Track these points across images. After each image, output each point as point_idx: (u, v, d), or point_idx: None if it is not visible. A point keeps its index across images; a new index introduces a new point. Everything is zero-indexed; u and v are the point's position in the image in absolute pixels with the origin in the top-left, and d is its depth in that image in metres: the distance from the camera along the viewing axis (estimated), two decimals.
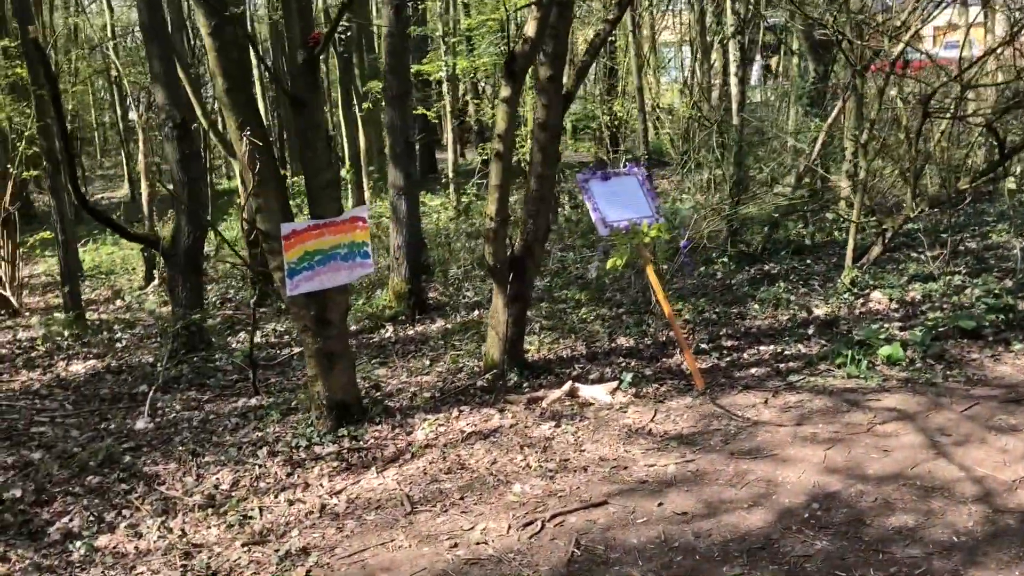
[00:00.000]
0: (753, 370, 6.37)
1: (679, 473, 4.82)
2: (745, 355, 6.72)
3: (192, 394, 7.24)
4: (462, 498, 4.77)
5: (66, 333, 8.98)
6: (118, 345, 9.14)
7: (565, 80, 6.34)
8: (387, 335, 8.51)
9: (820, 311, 7.70)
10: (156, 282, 11.73)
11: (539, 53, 5.78)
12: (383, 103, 8.84)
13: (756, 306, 7.95)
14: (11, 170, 10.64)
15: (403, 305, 8.90)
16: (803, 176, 10.22)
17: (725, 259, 9.73)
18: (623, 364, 6.73)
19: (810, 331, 7.08)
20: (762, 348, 6.82)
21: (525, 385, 6.43)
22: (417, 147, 13.94)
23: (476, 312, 8.79)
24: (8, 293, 10.84)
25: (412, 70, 17.69)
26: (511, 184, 6.29)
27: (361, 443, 5.65)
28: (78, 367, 8.44)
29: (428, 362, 7.39)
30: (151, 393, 7.06)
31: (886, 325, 6.95)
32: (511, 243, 6.40)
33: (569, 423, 5.62)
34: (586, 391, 6.09)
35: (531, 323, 8.06)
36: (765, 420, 5.43)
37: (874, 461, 4.73)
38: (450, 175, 17.58)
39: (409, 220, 8.78)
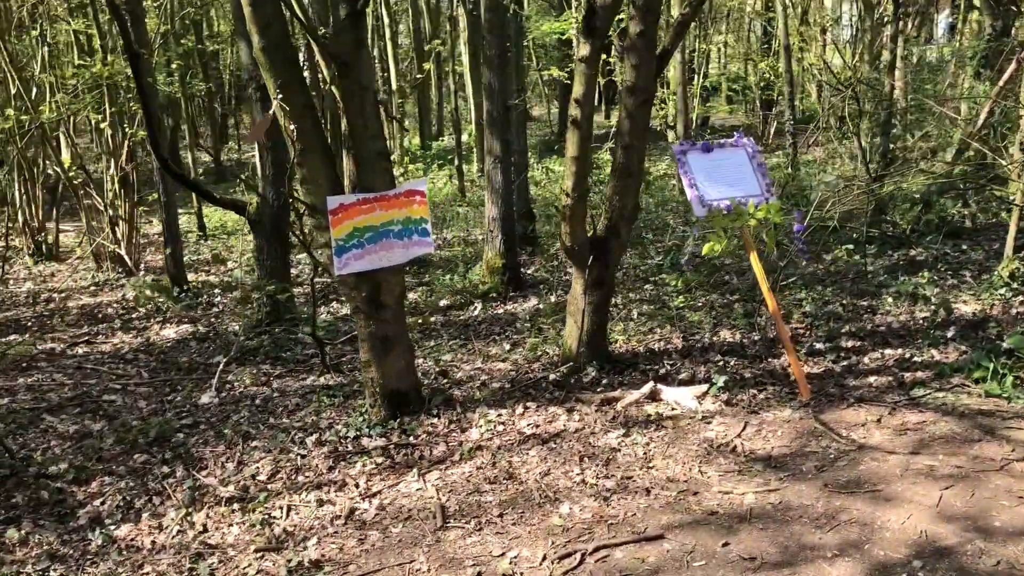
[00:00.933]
0: (872, 379, 5.48)
1: (757, 505, 4.11)
2: (866, 359, 5.83)
3: (266, 368, 7.04)
4: (501, 515, 4.24)
5: (152, 295, 9.00)
6: (214, 310, 9.13)
7: (660, 36, 5.57)
8: (475, 313, 8.05)
9: (967, 308, 6.64)
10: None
11: (626, 5, 5.07)
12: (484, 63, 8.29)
13: (890, 299, 6.95)
14: (128, 130, 10.81)
15: (496, 281, 8.41)
16: (965, 148, 8.95)
17: (865, 242, 8.67)
18: (720, 363, 5.98)
19: (950, 333, 6.08)
20: (888, 351, 5.90)
21: (604, 382, 5.81)
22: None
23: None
24: (123, 252, 11.09)
25: (546, 29, 17.05)
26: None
27: (412, 438, 5.21)
28: (170, 331, 8.45)
29: (508, 347, 6.88)
30: (221, 366, 6.89)
31: None
32: (592, 222, 5.76)
33: (642, 432, 4.97)
34: (670, 394, 5.41)
35: (623, 309, 7.40)
36: (874, 444, 4.60)
37: (1004, 510, 3.85)
38: None
39: (504, 190, 8.24)
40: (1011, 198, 7.13)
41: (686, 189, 5.61)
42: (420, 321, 7.45)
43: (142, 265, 11.70)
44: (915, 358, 5.74)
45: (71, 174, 11.21)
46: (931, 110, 10.73)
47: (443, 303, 8.44)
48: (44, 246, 12.92)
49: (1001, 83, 8.39)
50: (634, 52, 5.31)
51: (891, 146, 8.74)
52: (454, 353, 6.87)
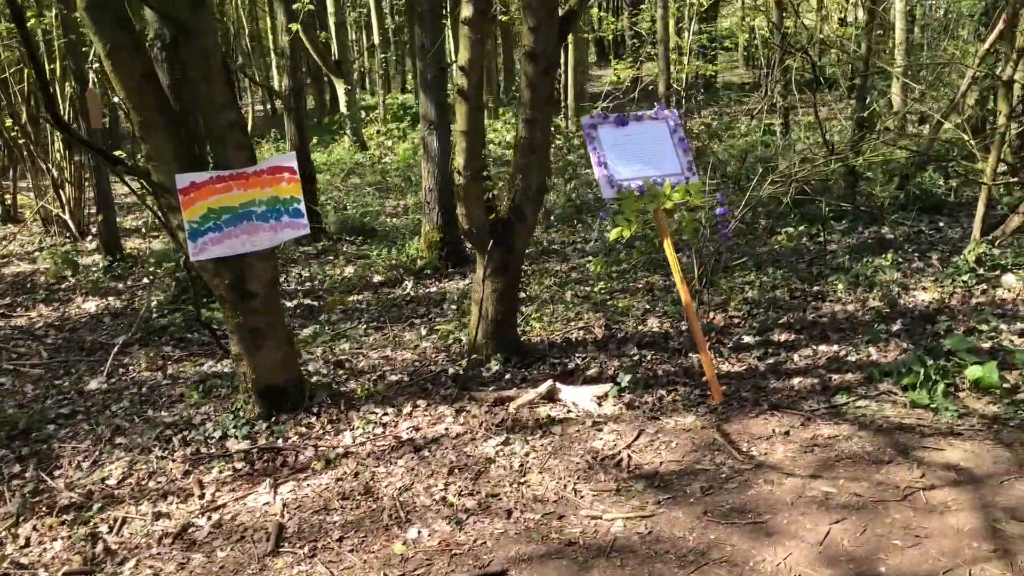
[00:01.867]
0: (796, 380, 4.98)
1: (623, 535, 3.65)
2: (796, 356, 5.32)
3: (168, 350, 6.64)
4: (341, 539, 3.82)
5: (59, 267, 8.60)
6: (144, 282, 8.74)
7: None
8: (406, 291, 7.59)
9: (924, 296, 6.10)
10: None
11: None
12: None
13: (841, 286, 6.40)
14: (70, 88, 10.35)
15: (434, 256, 7.94)
16: (946, 116, 8.30)
17: (830, 218, 8.10)
18: (635, 358, 5.49)
19: (896, 327, 5.55)
20: (823, 348, 5.38)
21: (506, 377, 5.36)
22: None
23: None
24: (67, 216, 10.71)
25: None
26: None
27: (280, 440, 4.79)
28: (91, 305, 8.07)
29: (425, 332, 6.42)
30: (116, 348, 6.50)
31: (1001, 327, 5.32)
32: (497, 202, 5.26)
33: (525, 439, 4.52)
34: (568, 394, 4.94)
35: (550, 292, 6.89)
36: (773, 463, 4.11)
37: (894, 551, 3.37)
38: (570, 102, 16.28)
39: (441, 158, 7.72)
40: (976, 174, 6.53)
41: (594, 168, 5.08)
42: (333, 301, 6.99)
43: (94, 230, 11.31)
44: (849, 356, 5.22)
45: (12, 134, 10.79)
46: (924, 75, 10.04)
47: (377, 279, 7.98)
48: (2, 207, 12.60)
49: (987, 45, 7.71)
50: (531, 12, 4.76)
51: (866, 113, 8.09)
52: (367, 338, 6.43)
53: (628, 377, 5.00)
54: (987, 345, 5.12)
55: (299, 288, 8.02)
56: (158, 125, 4.33)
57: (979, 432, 4.19)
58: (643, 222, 5.06)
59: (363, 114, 16.21)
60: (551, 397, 4.95)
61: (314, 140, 16.84)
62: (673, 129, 5.29)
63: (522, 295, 6.85)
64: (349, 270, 8.35)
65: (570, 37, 16.18)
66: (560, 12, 4.90)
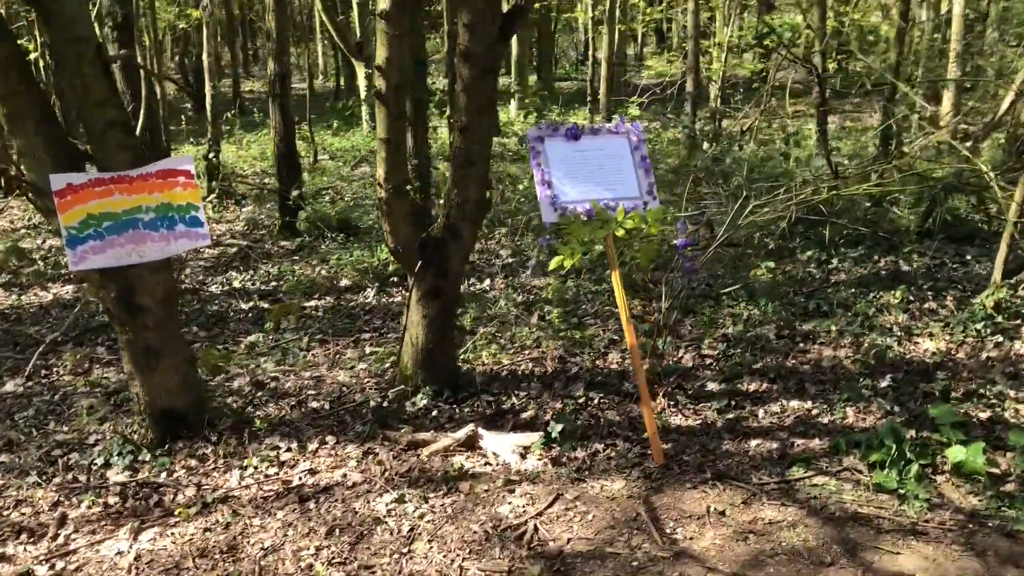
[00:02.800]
0: (753, 443, 4.36)
1: None
2: (761, 412, 4.68)
3: (101, 351, 6.24)
4: None
5: (6, 257, 8.26)
6: None
7: None
8: (367, 300, 7.08)
9: (928, 344, 5.40)
10: (214, 195, 10.93)
11: None
12: None
13: (833, 327, 5.72)
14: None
15: None
16: (986, 135, 7.51)
17: (837, 244, 7.39)
18: (582, 399, 4.90)
19: (884, 382, 4.87)
20: (795, 403, 4.74)
21: (433, 414, 4.82)
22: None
23: (495, 280, 7.15)
24: None
25: None
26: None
27: (164, 474, 4.33)
28: (48, 294, 7.73)
29: (369, 350, 5.91)
30: (41, 348, 6.11)
31: (1008, 392, 4.63)
32: (431, 218, 4.71)
33: (424, 497, 3.98)
34: (491, 442, 4.39)
35: (511, 313, 6.30)
36: (697, 552, 3.51)
37: None
38: (601, 98, 15.59)
39: (416, 153, 7.18)
40: (999, 206, 5.78)
41: (537, 187, 4.49)
42: (280, 308, 6.51)
43: None
44: (821, 417, 4.57)
45: None
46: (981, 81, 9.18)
47: (344, 283, 7.49)
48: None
49: None
50: (466, 6, 4.18)
51: (894, 128, 7.34)
52: (306, 353, 5.93)
53: (560, 427, 4.42)
54: (985, 415, 4.43)
55: (261, 288, 7.56)
56: (28, 115, 3.86)
57: (949, 532, 3.53)
58: (597, 249, 4.44)
59: None
60: (471, 444, 4.40)
61: (334, 125, 16.44)
62: (635, 146, 4.67)
63: (476, 315, 6.29)
64: (321, 271, 7.87)
65: (603, 28, 15.48)
66: (505, 7, 4.31)
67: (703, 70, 15.44)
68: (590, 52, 18.49)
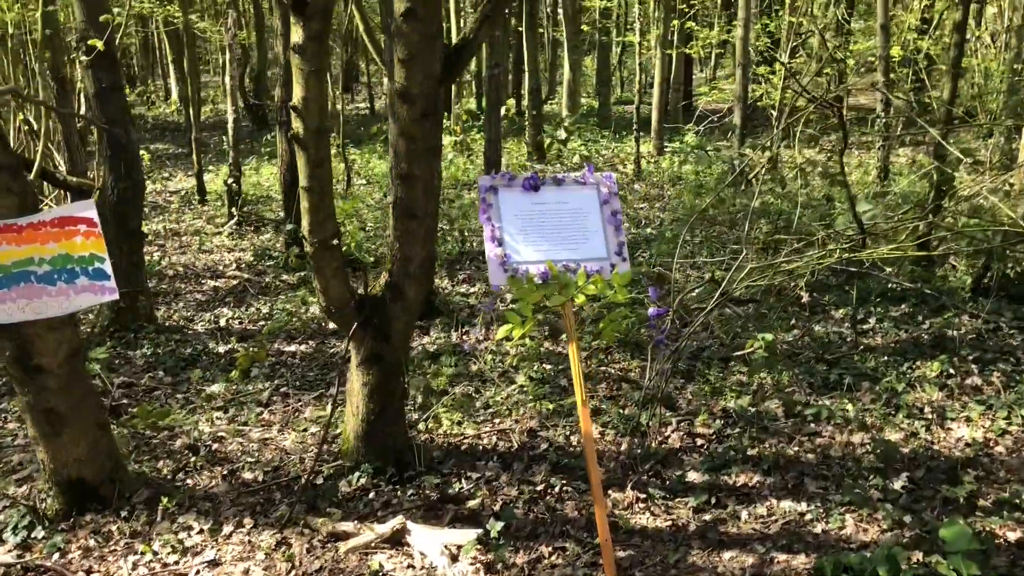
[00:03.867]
0: (727, 555, 3.71)
1: None
2: (745, 514, 4.02)
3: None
4: None
5: None
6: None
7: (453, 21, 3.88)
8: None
9: (963, 431, 4.66)
10: (234, 221, 10.67)
11: None
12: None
13: (850, 407, 5.01)
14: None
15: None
16: None
17: (871, 303, 6.63)
18: (542, 487, 4.31)
19: (899, 482, 4.16)
20: (785, 505, 4.07)
21: (370, 495, 4.29)
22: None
23: (478, 331, 6.61)
24: None
25: None
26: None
27: (57, 554, 3.90)
28: None
29: (331, 408, 5.40)
30: None
31: None
32: (373, 276, 4.21)
33: None
34: (420, 538, 3.84)
35: (495, 372, 5.72)
36: None
37: None
38: (653, 124, 14.93)
39: None
40: None
41: (485, 244, 3.94)
42: (245, 357, 6.07)
43: None
44: (815, 525, 3.90)
45: None
46: None
47: (332, 325, 7.03)
48: None
49: None
50: (404, 41, 3.68)
51: (947, 171, 6.55)
52: (263, 410, 5.48)
53: (502, 524, 3.84)
54: (1015, 535, 3.70)
55: (247, 328, 7.16)
56: None
57: None
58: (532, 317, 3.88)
59: None
60: (397, 540, 3.85)
61: (378, 148, 16.15)
62: (605, 199, 4.09)
63: (454, 373, 5.75)
64: (311, 310, 7.44)
65: (655, 51, 14.84)
66: (454, 41, 3.79)
67: (766, 97, 14.68)
68: (641, 76, 17.84)
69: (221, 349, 6.64)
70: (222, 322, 7.30)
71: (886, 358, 5.70)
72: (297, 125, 3.62)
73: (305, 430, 5.13)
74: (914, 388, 5.26)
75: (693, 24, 14.42)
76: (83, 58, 6.09)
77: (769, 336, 4.72)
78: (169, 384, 6.03)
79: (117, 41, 6.32)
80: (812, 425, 4.88)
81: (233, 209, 10.74)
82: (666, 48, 14.84)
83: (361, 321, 4.15)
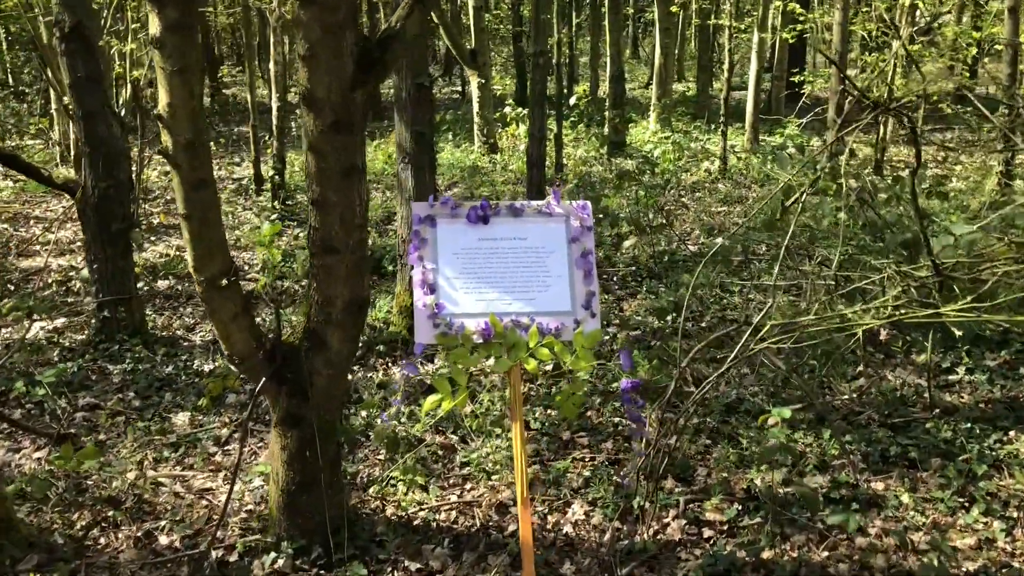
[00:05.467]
0: None
1: None
2: None
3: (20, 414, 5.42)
4: None
5: None
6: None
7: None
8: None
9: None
10: (275, 216, 10.16)
11: None
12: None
13: (907, 497, 4.01)
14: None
15: (403, 326, 6.19)
16: None
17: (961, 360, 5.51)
18: None
19: None
20: None
21: None
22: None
23: None
24: None
25: None
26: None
27: None
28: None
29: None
30: None
31: None
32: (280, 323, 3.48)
33: None
34: None
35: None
36: None
37: None
38: (748, 118, 13.76)
39: (419, 200, 5.94)
40: None
41: (414, 291, 3.16)
42: (217, 384, 5.44)
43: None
44: None
45: None
46: None
47: None
48: None
49: None
50: (304, 32, 2.91)
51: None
52: (216, 451, 4.85)
53: None
54: None
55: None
56: None
57: None
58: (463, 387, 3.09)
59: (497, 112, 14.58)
60: None
61: (453, 136, 15.50)
62: (575, 235, 3.24)
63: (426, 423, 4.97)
64: None
65: (754, 36, 13.62)
66: (357, 34, 3.00)
67: (875, 89, 13.28)
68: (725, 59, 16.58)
69: (208, 367, 6.06)
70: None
71: (969, 425, 4.64)
72: (166, 139, 2.90)
73: (250, 481, 4.46)
74: (1000, 472, 4.21)
75: (797, 5, 13.10)
76: (56, 44, 5.57)
77: (787, 412, 3.76)
78: (136, 409, 5.48)
79: (106, 24, 5.78)
80: (855, 516, 3.90)
81: (276, 203, 10.24)
82: (764, 31, 13.60)
83: (272, 374, 3.42)
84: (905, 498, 3.98)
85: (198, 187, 3.00)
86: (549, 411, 4.88)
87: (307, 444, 3.56)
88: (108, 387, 5.79)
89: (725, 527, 3.87)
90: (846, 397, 5.04)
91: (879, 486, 4.15)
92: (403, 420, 4.72)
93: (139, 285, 7.17)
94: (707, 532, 3.85)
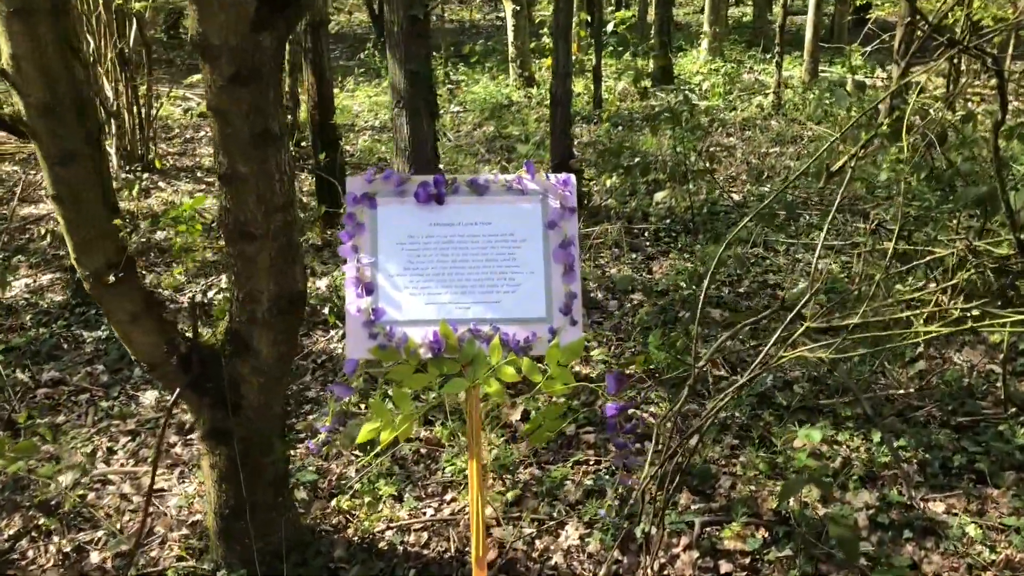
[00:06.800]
0: None
1: None
2: None
3: None
4: None
5: None
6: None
7: None
8: (333, 348, 5.35)
9: None
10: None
11: None
12: None
13: (972, 527, 3.30)
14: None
15: None
16: None
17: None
18: None
19: None
20: None
21: None
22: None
23: None
24: (112, 147, 9.45)
25: None
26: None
27: None
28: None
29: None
30: None
31: None
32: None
33: None
34: None
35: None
36: None
37: None
38: (807, 44, 12.68)
39: (414, 151, 5.28)
40: None
41: (346, 291, 2.51)
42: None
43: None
44: None
45: None
46: None
47: (326, 310, 5.79)
48: None
49: None
50: None
51: None
52: (177, 440, 4.32)
53: None
54: None
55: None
56: None
57: None
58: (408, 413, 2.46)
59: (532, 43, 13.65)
60: None
61: (489, 66, 14.62)
62: (553, 220, 2.55)
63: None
64: (319, 287, 6.21)
65: None
66: None
67: (951, 16, 12.06)
68: None
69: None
70: (211, 294, 6.18)
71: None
72: (16, 100, 2.26)
73: (203, 483, 3.92)
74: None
75: None
76: None
77: (816, 434, 3.07)
78: (103, 385, 4.98)
79: None
80: (908, 545, 3.23)
81: (303, 144, 9.61)
82: None
83: (191, 383, 2.83)
84: (971, 529, 3.27)
85: (65, 161, 2.37)
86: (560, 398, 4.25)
87: (239, 463, 2.97)
88: (79, 358, 5.30)
89: (747, 562, 3.22)
90: (901, 392, 4.30)
91: (938, 507, 3.45)
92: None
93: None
94: (724, 567, 3.20)
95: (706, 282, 3.04)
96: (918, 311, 3.48)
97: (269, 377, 2.87)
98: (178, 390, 2.81)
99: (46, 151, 2.34)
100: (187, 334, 2.86)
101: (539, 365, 2.43)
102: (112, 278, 2.51)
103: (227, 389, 2.83)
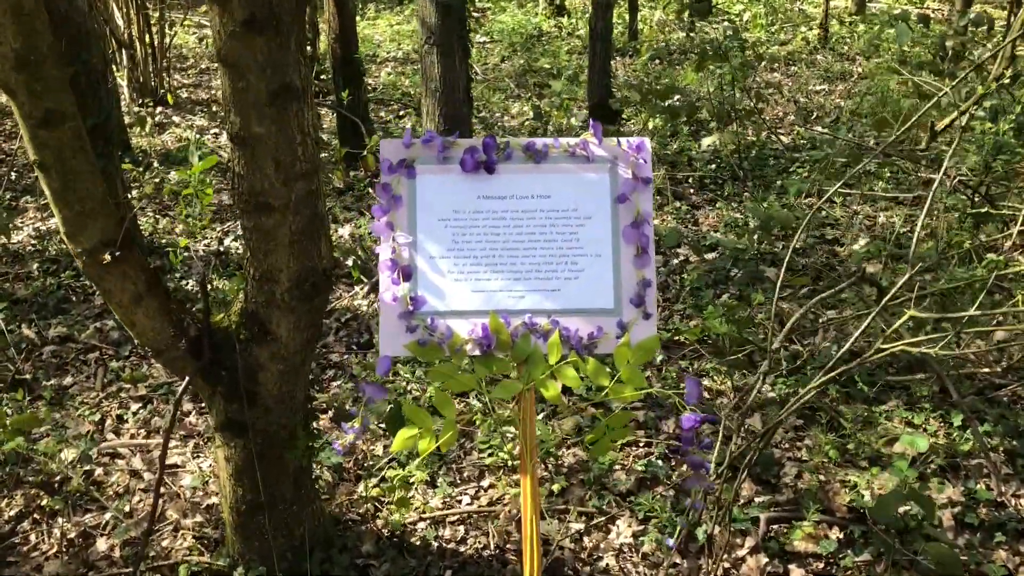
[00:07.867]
0: None
1: None
2: None
3: None
4: None
5: None
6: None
7: None
8: (358, 305, 5.03)
9: None
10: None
11: None
12: None
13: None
14: None
15: None
16: None
17: None
18: None
19: None
20: None
21: None
22: None
23: None
24: (124, 79, 9.05)
25: None
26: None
27: None
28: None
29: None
30: None
31: None
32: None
33: None
34: None
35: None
36: None
37: None
38: None
39: (446, 93, 4.87)
40: None
41: (380, 276, 2.16)
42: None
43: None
44: None
45: None
46: None
47: (350, 262, 5.46)
48: None
49: None
50: None
51: None
52: (192, 407, 4.04)
53: None
54: None
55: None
56: None
57: None
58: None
59: None
60: None
61: None
62: (623, 192, 2.17)
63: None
64: (342, 235, 5.87)
65: None
66: None
67: None
68: None
69: (190, 287, 5.21)
70: (226, 242, 5.85)
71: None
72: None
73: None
74: None
75: None
76: None
77: (923, 442, 2.72)
78: (114, 343, 4.69)
79: None
80: (1000, 553, 2.91)
81: (323, 77, 9.17)
82: None
83: (202, 369, 2.50)
84: None
85: (48, 123, 2.01)
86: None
87: (257, 457, 2.66)
88: (88, 311, 5.01)
89: (820, 563, 2.91)
90: (983, 368, 3.93)
91: None
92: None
93: (134, 185, 6.34)
94: (795, 572, 2.89)
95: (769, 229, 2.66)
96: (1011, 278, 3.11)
97: (290, 364, 2.54)
98: (187, 379, 2.49)
99: (24, 111, 1.98)
100: (197, 313, 2.53)
101: (605, 367, 2.08)
102: (109, 256, 2.17)
103: (243, 377, 2.50)
